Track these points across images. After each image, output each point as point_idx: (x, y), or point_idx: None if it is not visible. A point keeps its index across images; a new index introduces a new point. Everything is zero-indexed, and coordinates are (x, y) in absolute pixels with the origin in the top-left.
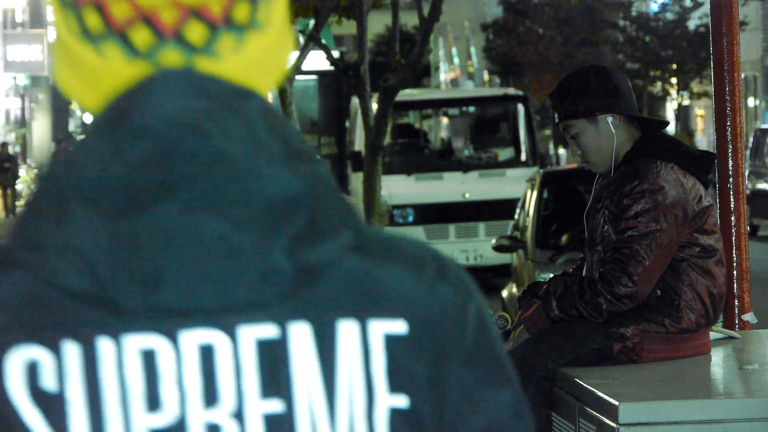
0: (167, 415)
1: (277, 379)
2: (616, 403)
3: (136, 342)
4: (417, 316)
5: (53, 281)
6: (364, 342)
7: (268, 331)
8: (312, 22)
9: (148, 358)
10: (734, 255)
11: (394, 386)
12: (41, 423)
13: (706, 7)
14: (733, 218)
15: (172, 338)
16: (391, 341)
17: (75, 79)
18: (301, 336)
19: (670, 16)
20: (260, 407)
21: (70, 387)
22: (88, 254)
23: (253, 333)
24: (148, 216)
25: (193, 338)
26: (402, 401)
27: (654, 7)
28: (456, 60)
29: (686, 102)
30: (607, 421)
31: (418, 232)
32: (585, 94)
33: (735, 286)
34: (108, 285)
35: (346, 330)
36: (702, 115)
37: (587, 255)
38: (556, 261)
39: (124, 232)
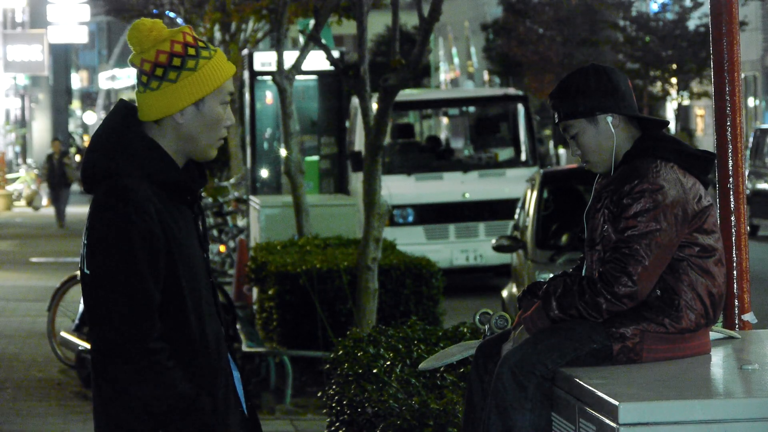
0: None
1: None
2: (616, 403)
3: None
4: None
5: None
6: None
7: None
8: (312, 22)
9: None
10: (734, 255)
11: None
12: None
13: (706, 7)
14: (733, 218)
15: None
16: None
17: None
18: None
19: (670, 16)
20: None
21: None
22: None
23: None
24: None
25: None
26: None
27: (654, 7)
28: (456, 60)
29: (686, 102)
30: (607, 421)
31: (418, 232)
32: (585, 93)
33: (735, 286)
34: None
35: None
36: (702, 115)
37: (587, 255)
38: (556, 261)
39: None
